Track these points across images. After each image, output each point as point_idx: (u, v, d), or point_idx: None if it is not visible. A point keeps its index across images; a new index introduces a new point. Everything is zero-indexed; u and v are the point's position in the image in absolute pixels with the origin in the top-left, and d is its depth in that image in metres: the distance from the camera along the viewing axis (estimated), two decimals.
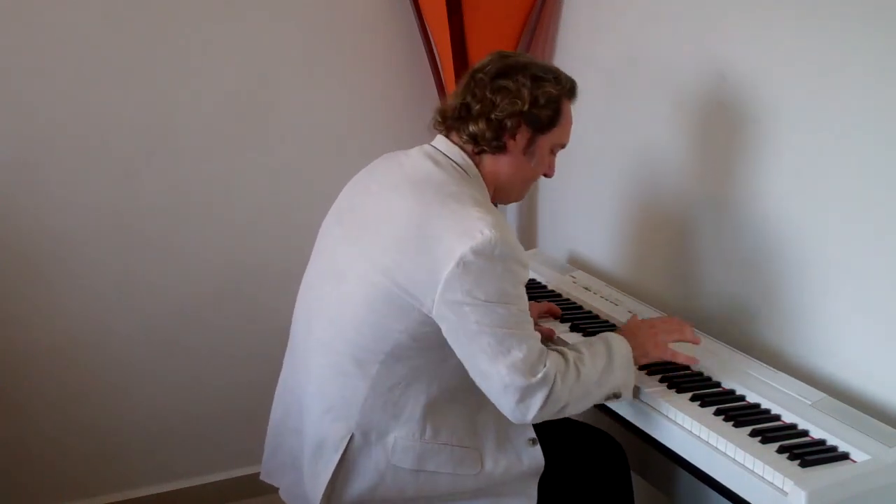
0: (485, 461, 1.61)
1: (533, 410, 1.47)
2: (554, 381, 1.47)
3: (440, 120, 1.66)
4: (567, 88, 1.65)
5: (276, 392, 1.82)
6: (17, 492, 2.45)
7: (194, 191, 2.44)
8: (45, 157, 2.28)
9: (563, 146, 1.71)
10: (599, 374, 1.55)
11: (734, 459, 1.44)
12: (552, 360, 1.49)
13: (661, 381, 1.68)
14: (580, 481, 1.77)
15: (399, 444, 1.58)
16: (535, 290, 2.19)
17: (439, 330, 1.50)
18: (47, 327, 2.38)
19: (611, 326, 1.95)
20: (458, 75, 2.41)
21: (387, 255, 1.52)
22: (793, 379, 1.67)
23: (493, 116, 1.58)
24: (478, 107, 1.59)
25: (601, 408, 1.75)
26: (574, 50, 2.43)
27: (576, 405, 1.53)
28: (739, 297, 1.91)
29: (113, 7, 2.26)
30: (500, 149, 1.61)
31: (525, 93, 1.58)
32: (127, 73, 2.31)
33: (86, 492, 2.52)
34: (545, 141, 1.65)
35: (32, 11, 2.19)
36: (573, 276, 2.25)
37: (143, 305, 2.46)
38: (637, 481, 2.11)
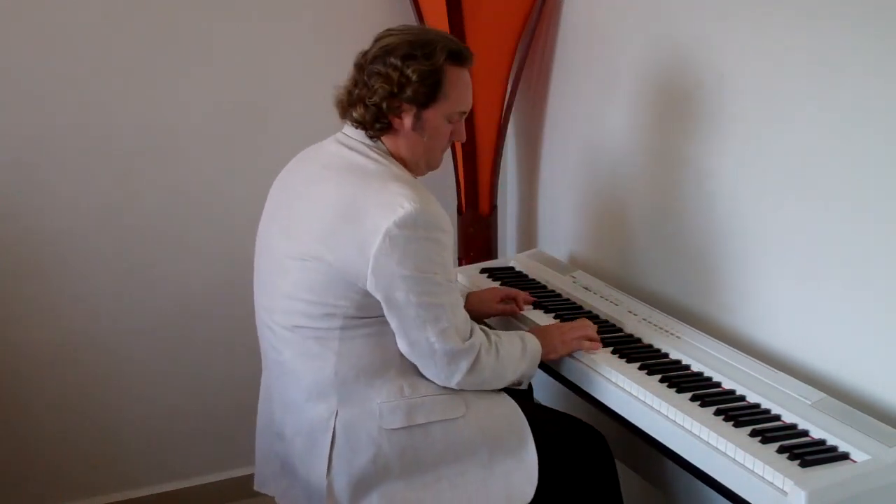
0: (468, 403, 1.67)
1: (458, 375, 1.62)
2: (479, 352, 1.63)
3: (339, 111, 1.72)
4: (444, 59, 1.64)
5: (259, 400, 1.87)
6: (18, 491, 2.45)
7: (194, 190, 2.45)
8: (46, 157, 2.28)
9: (462, 113, 1.73)
10: (515, 360, 1.70)
11: (734, 459, 1.44)
12: (477, 332, 1.65)
13: (661, 381, 1.69)
14: (565, 472, 1.77)
15: (385, 408, 1.62)
16: (536, 290, 2.19)
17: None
18: (48, 327, 2.38)
19: (611, 326, 1.95)
20: None
21: (319, 240, 1.60)
22: (793, 379, 1.67)
23: (368, 102, 1.64)
24: (357, 93, 1.66)
25: (596, 403, 1.76)
26: (574, 50, 2.43)
27: (491, 382, 1.68)
28: (740, 297, 1.91)
29: (113, 7, 2.26)
30: (386, 129, 1.67)
31: (394, 74, 1.62)
32: (127, 73, 2.31)
33: (86, 492, 2.52)
34: (433, 114, 1.67)
35: (33, 11, 2.19)
36: (573, 276, 2.25)
37: (144, 305, 2.46)
38: (636, 480, 2.11)
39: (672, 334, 1.88)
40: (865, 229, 1.61)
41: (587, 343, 1.80)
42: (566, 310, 2.04)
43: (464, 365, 1.61)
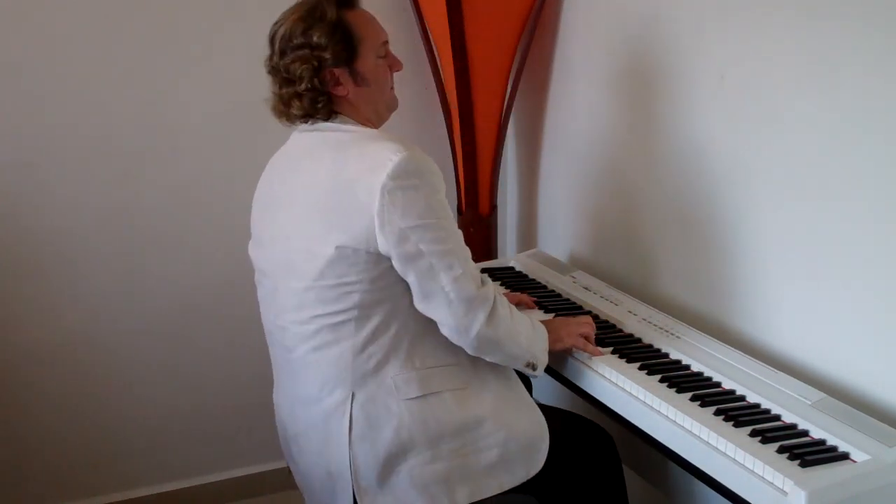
0: (471, 375, 1.68)
1: (476, 325, 1.58)
2: (495, 302, 1.60)
3: (284, 119, 1.70)
4: (336, 11, 1.63)
5: (275, 413, 1.85)
6: (18, 491, 2.45)
7: (196, 189, 2.45)
8: (48, 157, 2.28)
9: (384, 43, 1.72)
10: (526, 329, 1.68)
11: (734, 459, 1.44)
12: (488, 281, 1.63)
13: (661, 380, 1.68)
14: (571, 471, 1.78)
15: (399, 380, 1.62)
16: (536, 291, 2.19)
17: (392, 264, 1.58)
18: (48, 327, 2.38)
19: (611, 326, 1.95)
20: (458, 75, 2.41)
21: (318, 223, 1.59)
22: (793, 379, 1.67)
23: (300, 89, 1.63)
24: (285, 90, 1.65)
25: (596, 403, 1.76)
26: (574, 50, 2.43)
27: (506, 342, 1.64)
28: (743, 297, 1.91)
29: (113, 7, 2.26)
30: (330, 104, 1.66)
31: (306, 52, 1.62)
32: (128, 72, 2.31)
33: (86, 492, 2.52)
34: (363, 62, 1.67)
35: (33, 11, 2.19)
36: (573, 276, 2.25)
37: (145, 305, 2.46)
38: (636, 480, 2.11)
39: (672, 334, 1.88)
40: (865, 229, 1.60)
41: (591, 347, 1.79)
42: (566, 310, 2.04)
43: (481, 314, 1.58)
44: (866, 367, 1.63)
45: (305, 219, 1.62)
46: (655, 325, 1.92)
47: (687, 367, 1.75)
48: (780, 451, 1.43)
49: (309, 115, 1.66)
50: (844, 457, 1.43)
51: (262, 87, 2.46)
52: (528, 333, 1.69)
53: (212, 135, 2.43)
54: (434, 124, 2.61)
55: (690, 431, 1.53)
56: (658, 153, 2.13)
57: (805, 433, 1.50)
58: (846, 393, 1.65)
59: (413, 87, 2.61)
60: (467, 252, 1.62)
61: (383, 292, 1.60)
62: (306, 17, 1.63)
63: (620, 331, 1.93)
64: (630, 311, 2.00)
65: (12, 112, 2.23)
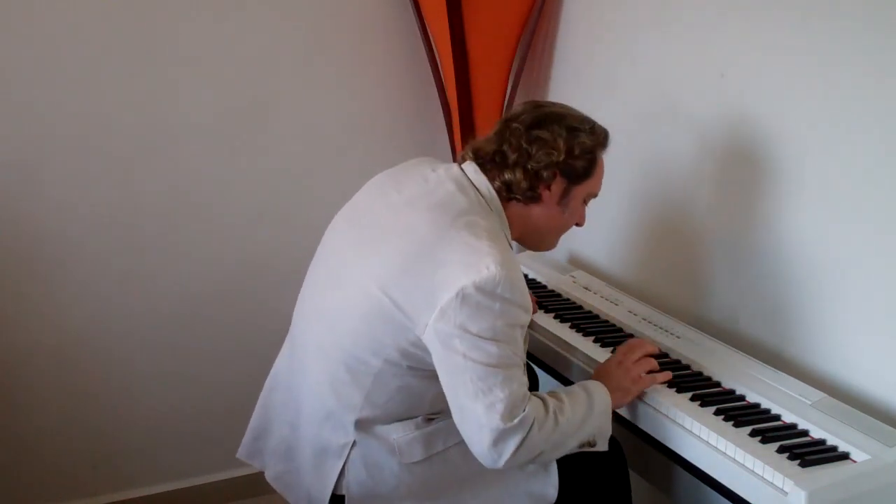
0: None
1: (506, 455, 1.45)
2: (531, 428, 1.46)
3: (472, 158, 1.64)
4: (601, 139, 1.66)
5: (270, 378, 1.82)
6: (17, 491, 2.45)
7: (194, 191, 2.45)
8: (45, 158, 2.28)
9: (594, 195, 1.72)
10: (579, 423, 1.55)
11: (734, 459, 1.44)
12: (532, 406, 1.48)
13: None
14: (577, 476, 1.78)
15: (402, 442, 1.59)
16: (535, 290, 2.19)
17: (429, 355, 1.50)
18: (48, 327, 2.38)
19: (610, 326, 1.95)
20: (458, 75, 2.41)
21: (389, 271, 1.52)
22: (793, 379, 1.67)
23: (529, 166, 1.59)
24: (514, 156, 1.60)
25: None
26: (574, 50, 2.43)
27: (551, 453, 1.54)
28: (740, 298, 1.91)
29: (112, 6, 2.25)
30: (535, 199, 1.62)
31: (561, 143, 1.59)
32: (126, 74, 2.30)
33: (86, 492, 2.52)
34: (579, 191, 1.66)
35: (32, 11, 2.19)
36: (573, 276, 2.25)
37: (143, 305, 2.46)
38: (637, 480, 2.10)
39: (672, 334, 1.88)
40: (863, 228, 1.61)
41: (660, 376, 1.67)
42: (566, 310, 2.04)
43: (511, 444, 1.45)
44: (866, 367, 1.63)
45: (384, 255, 1.54)
46: (655, 325, 1.92)
47: (687, 367, 1.75)
48: (780, 450, 1.43)
49: (509, 189, 1.60)
50: (844, 457, 1.43)
51: (261, 88, 2.48)
52: (581, 426, 1.55)
53: (210, 136, 2.43)
54: (434, 124, 2.61)
55: (690, 431, 1.53)
56: (658, 152, 2.12)
57: (805, 433, 1.50)
58: (846, 393, 1.65)
59: (413, 86, 2.61)
60: (516, 377, 1.47)
61: (411, 371, 1.54)
62: (581, 121, 1.63)
63: (620, 330, 1.93)
64: (630, 311, 2.00)
65: (11, 113, 2.22)
